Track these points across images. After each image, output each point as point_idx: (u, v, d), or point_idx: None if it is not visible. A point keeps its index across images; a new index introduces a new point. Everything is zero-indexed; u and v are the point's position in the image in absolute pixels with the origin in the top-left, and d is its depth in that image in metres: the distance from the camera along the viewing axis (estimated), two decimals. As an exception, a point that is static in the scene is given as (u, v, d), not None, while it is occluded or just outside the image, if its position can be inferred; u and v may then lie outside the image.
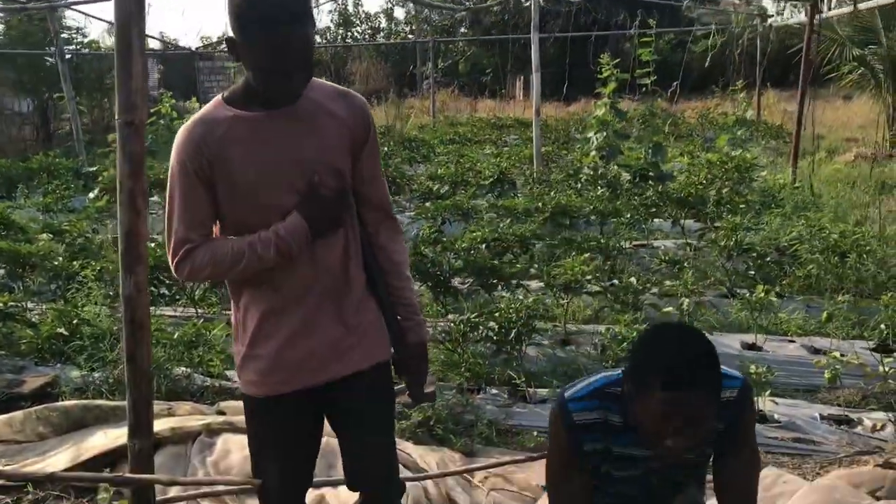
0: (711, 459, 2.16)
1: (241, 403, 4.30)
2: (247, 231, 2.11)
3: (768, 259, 6.03)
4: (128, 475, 2.44)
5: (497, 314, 4.51)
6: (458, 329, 4.49)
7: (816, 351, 4.96)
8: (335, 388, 2.25)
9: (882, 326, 5.18)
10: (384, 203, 2.33)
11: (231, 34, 1.99)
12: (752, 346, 5.08)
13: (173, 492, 3.42)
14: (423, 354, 2.34)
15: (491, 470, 3.59)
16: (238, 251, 2.08)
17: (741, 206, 7.35)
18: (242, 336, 2.25)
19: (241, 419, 4.03)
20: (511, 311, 4.46)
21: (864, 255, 5.74)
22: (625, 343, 4.13)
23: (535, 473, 3.60)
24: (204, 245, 2.11)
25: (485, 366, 4.82)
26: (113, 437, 3.84)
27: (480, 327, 4.48)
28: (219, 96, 2.14)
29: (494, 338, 4.53)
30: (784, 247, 6.25)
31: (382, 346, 2.31)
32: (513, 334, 4.42)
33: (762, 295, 4.95)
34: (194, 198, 2.08)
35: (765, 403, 4.08)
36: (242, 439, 3.84)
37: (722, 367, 2.00)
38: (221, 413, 4.21)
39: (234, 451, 3.75)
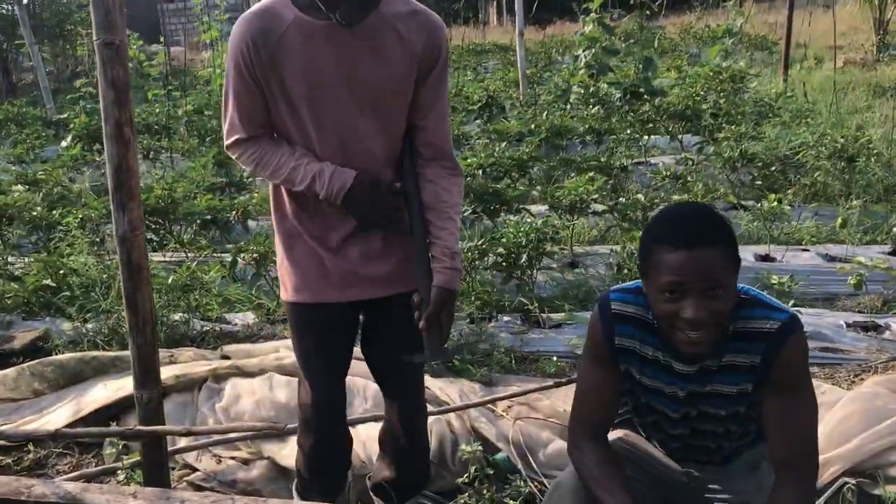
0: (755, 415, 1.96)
1: (245, 347, 4.18)
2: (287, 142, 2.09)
3: (773, 168, 5.86)
4: (140, 428, 2.26)
5: (505, 239, 4.31)
6: (466, 257, 4.29)
7: (832, 259, 4.83)
8: (376, 304, 2.25)
9: (895, 230, 5.06)
10: (441, 140, 2.16)
11: None
12: (766, 258, 4.94)
13: (183, 441, 3.28)
14: (447, 302, 2.11)
15: (514, 399, 3.45)
16: (280, 167, 2.06)
17: (739, 116, 7.13)
18: (287, 241, 2.23)
19: (248, 363, 3.88)
20: (520, 235, 4.27)
21: (873, 159, 5.57)
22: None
23: (561, 400, 3.47)
24: (254, 143, 2.08)
25: (494, 293, 4.66)
26: (114, 388, 3.66)
27: (489, 254, 4.29)
28: None
29: (503, 263, 4.35)
30: (787, 155, 6.07)
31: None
32: (524, 259, 4.23)
33: (774, 204, 4.79)
34: (247, 95, 2.03)
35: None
36: (251, 384, 3.69)
37: (771, 299, 1.87)
38: (226, 357, 4.04)
39: (244, 395, 3.59)
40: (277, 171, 2.06)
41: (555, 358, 3.87)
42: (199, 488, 3.09)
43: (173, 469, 3.10)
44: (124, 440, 2.58)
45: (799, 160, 5.92)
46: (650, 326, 1.91)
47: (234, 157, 2.16)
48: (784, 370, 1.81)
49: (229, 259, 4.87)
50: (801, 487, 1.79)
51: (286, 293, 2.27)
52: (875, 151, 5.62)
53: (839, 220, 4.84)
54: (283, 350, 3.96)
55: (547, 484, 2.97)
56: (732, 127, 6.44)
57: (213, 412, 3.56)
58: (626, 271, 4.01)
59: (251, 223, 6.07)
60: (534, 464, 3.09)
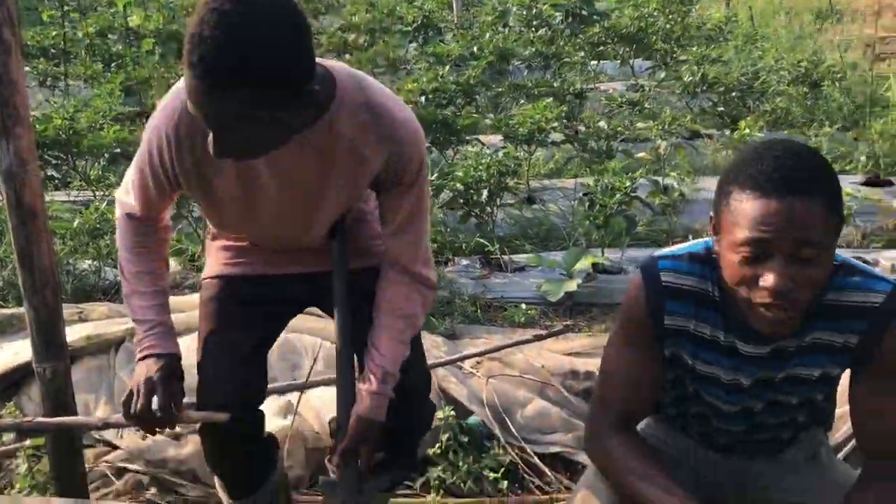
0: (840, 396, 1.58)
1: (170, 300, 3.64)
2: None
3: (734, 94, 5.53)
4: (40, 420, 1.78)
5: (462, 174, 3.85)
6: (419, 192, 3.82)
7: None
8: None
9: (863, 158, 4.83)
10: (406, 258, 1.73)
11: None
12: (733, 190, 4.64)
13: (100, 411, 2.79)
14: (367, 435, 1.69)
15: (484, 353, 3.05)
16: (129, 281, 1.76)
17: (691, 40, 6.77)
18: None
19: (174, 320, 3.36)
20: (479, 168, 3.82)
21: (837, 84, 5.30)
22: (617, 194, 3.57)
23: (535, 353, 3.09)
24: (140, 232, 1.76)
25: (448, 234, 4.22)
26: (12, 352, 3.11)
27: (445, 189, 3.83)
28: None
29: (461, 201, 3.90)
30: (747, 81, 5.74)
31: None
32: (484, 195, 3.79)
33: (745, 132, 4.46)
34: (156, 188, 1.66)
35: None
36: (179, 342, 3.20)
37: (867, 266, 1.48)
38: (146, 313, 3.50)
39: (170, 358, 3.08)
40: (126, 282, 1.76)
41: (523, 306, 3.49)
42: (120, 471, 2.62)
43: (89, 448, 2.62)
44: (21, 434, 2.07)
45: (760, 86, 5.59)
46: (709, 300, 1.50)
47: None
48: (889, 353, 1.42)
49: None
50: None
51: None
52: (839, 76, 5.34)
53: (811, 149, 4.55)
54: (214, 303, 3.44)
55: (529, 451, 2.62)
56: (695, 49, 6.05)
57: (131, 377, 3.06)
58: (597, 207, 3.61)
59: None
60: (512, 427, 2.72)
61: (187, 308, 3.46)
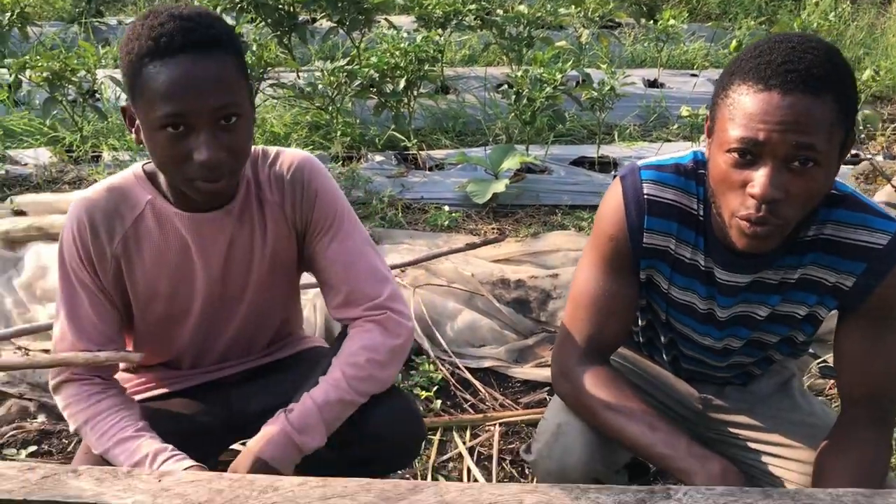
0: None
1: (45, 198, 3.21)
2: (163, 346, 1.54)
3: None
4: None
5: (377, 59, 3.51)
6: (329, 81, 3.47)
7: (723, 86, 4.47)
8: None
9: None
10: (355, 289, 1.47)
11: None
12: (654, 84, 4.50)
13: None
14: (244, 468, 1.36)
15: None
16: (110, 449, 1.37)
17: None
18: None
19: (53, 222, 2.96)
20: (397, 53, 3.48)
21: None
22: (547, 88, 3.34)
23: (462, 260, 2.91)
24: (88, 393, 1.42)
25: (357, 126, 3.90)
26: None
27: (358, 77, 3.49)
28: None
29: (375, 90, 3.58)
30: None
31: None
32: (402, 84, 3.48)
33: (671, 23, 4.27)
34: (90, 299, 1.41)
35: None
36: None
37: (871, 200, 1.32)
38: (21, 213, 3.08)
39: (54, 265, 2.72)
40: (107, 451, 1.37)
41: (446, 208, 3.26)
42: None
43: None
44: None
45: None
46: (692, 218, 1.34)
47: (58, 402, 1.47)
48: (882, 299, 1.30)
49: (8, 79, 3.73)
50: (879, 425, 1.34)
51: None
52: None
53: (733, 43, 4.43)
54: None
55: (460, 365, 2.48)
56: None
57: (10, 291, 2.70)
58: (522, 101, 3.37)
59: (33, 29, 4.81)
60: (442, 341, 2.56)
61: (62, 207, 3.07)
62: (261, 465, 1.34)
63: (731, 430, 1.55)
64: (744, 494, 1.12)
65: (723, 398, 1.57)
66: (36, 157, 3.69)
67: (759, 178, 1.13)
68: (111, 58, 4.72)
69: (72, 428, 1.43)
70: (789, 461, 1.45)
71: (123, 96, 3.90)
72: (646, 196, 1.34)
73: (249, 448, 1.36)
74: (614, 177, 1.58)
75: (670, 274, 1.39)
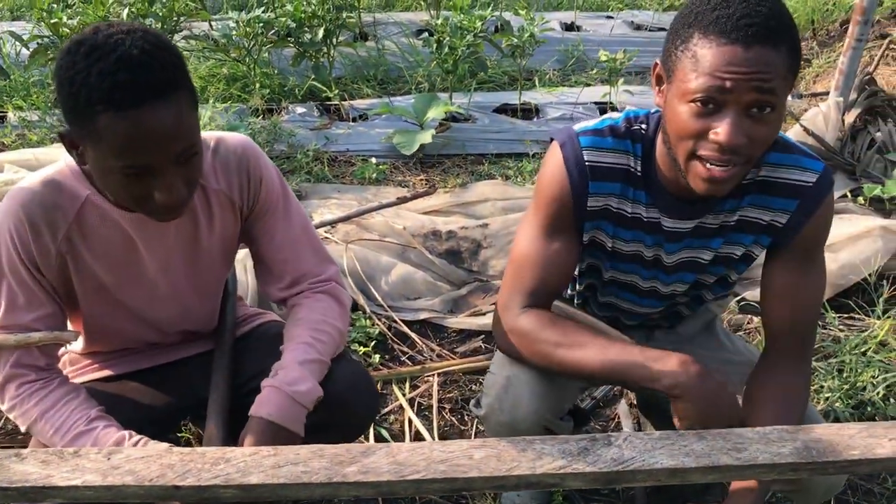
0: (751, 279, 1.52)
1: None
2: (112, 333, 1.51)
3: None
4: None
5: (293, 6, 3.41)
6: (245, 32, 3.36)
7: (638, 27, 4.53)
8: None
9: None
10: (300, 270, 1.51)
11: None
12: (571, 27, 4.52)
13: None
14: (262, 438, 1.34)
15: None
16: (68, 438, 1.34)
17: None
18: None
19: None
20: (312, 1, 3.39)
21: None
22: (467, 36, 3.31)
23: (393, 214, 2.91)
24: (32, 390, 1.37)
25: (276, 77, 3.80)
26: None
27: (275, 27, 3.39)
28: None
29: (292, 39, 3.49)
30: None
31: None
32: (321, 33, 3.40)
33: (586, -35, 4.28)
34: (26, 296, 1.35)
35: (618, 95, 3.61)
36: None
37: (805, 147, 1.41)
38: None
39: None
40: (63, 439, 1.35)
41: (373, 160, 3.24)
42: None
43: None
44: None
45: None
46: (632, 175, 1.39)
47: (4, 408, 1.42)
48: (810, 234, 1.39)
49: None
50: (801, 356, 1.44)
51: None
52: None
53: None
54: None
55: (396, 319, 2.50)
56: None
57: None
58: (444, 48, 3.34)
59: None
60: (377, 296, 2.58)
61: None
62: (269, 428, 1.33)
63: None
64: (679, 437, 1.18)
65: (653, 342, 1.64)
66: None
67: (724, 126, 1.18)
68: (7, 10, 4.44)
69: (23, 427, 1.39)
70: None
71: (38, 72, 3.68)
72: (587, 163, 1.37)
73: (250, 416, 1.35)
74: (540, 132, 1.60)
75: (614, 231, 1.44)
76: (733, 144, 1.18)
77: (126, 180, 1.18)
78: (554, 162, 1.40)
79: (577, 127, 1.42)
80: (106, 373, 1.56)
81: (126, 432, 1.35)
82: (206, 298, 1.56)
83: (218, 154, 1.42)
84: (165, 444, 1.31)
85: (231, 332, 1.59)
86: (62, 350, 1.58)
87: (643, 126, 1.39)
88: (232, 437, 1.40)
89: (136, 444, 1.33)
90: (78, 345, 1.56)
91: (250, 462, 1.18)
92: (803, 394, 1.40)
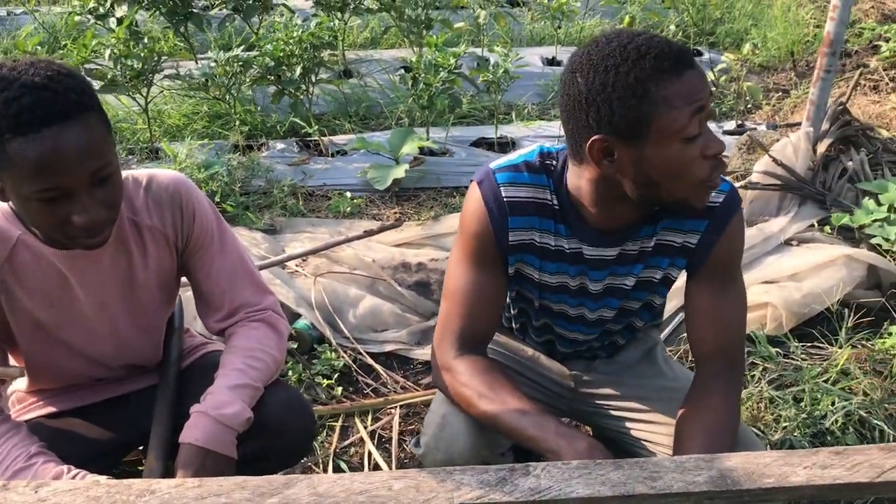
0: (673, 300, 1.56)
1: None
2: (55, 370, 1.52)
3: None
4: None
5: (273, 47, 3.49)
6: (224, 70, 3.43)
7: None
8: None
9: (672, 28, 4.91)
10: (237, 301, 1.54)
11: None
12: (552, 62, 4.59)
13: None
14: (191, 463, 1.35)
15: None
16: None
17: None
18: None
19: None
20: (291, 42, 3.47)
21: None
22: (441, 72, 3.38)
23: (364, 247, 2.94)
24: None
25: (260, 114, 3.87)
26: None
27: (254, 65, 3.46)
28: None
29: (272, 78, 3.56)
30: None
31: None
32: (298, 71, 3.47)
33: (563, 1, 4.36)
34: None
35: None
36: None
37: None
38: None
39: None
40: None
41: (348, 194, 3.28)
42: None
43: None
44: None
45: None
46: (549, 209, 1.43)
47: None
48: (723, 253, 1.43)
49: None
50: (730, 379, 1.45)
51: None
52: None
53: (626, 19, 4.55)
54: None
55: (362, 352, 2.52)
56: None
57: None
58: (420, 84, 3.40)
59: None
60: (344, 328, 2.60)
61: None
62: (198, 453, 1.34)
63: (602, 402, 1.65)
64: (596, 467, 1.19)
65: (593, 372, 1.67)
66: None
67: (711, 137, 1.28)
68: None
69: None
70: (656, 425, 1.55)
71: None
72: (505, 199, 1.41)
73: (180, 443, 1.36)
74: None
75: (539, 263, 1.48)
76: (723, 147, 1.29)
77: (43, 206, 1.20)
78: (473, 199, 1.44)
79: (494, 164, 1.46)
80: (51, 409, 1.58)
81: (65, 467, 1.36)
82: (147, 334, 1.58)
83: (150, 191, 1.45)
84: (99, 477, 1.32)
85: (176, 365, 1.62)
86: (11, 389, 1.61)
87: (553, 162, 1.44)
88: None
89: (73, 478, 1.35)
90: (23, 383, 1.59)
91: (175, 494, 1.19)
92: (731, 416, 1.42)
